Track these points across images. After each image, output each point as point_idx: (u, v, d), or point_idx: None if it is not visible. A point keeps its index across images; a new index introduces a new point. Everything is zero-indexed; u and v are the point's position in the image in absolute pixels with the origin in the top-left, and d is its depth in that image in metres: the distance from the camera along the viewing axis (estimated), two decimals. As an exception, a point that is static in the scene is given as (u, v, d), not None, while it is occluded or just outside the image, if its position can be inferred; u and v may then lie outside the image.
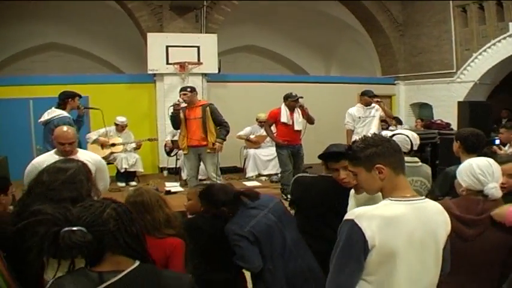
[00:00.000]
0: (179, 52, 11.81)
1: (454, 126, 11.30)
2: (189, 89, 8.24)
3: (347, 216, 2.38)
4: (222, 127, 8.22)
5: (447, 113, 12.55)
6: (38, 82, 11.69)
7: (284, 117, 8.99)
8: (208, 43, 12.19)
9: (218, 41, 12.38)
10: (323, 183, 3.77)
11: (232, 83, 13.08)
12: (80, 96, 7.62)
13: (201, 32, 12.35)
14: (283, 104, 9.10)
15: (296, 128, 9.01)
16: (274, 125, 9.39)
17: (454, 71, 13.01)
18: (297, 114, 9.04)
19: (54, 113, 7.10)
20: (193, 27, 12.31)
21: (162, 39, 11.88)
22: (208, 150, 8.16)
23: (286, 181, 8.94)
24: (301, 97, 8.99)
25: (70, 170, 3.07)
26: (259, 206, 3.65)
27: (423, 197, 2.60)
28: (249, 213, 3.57)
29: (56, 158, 4.43)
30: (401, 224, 2.32)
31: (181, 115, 8.23)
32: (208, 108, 8.19)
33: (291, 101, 8.96)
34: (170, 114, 8.32)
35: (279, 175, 10.39)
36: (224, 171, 11.53)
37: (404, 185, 2.49)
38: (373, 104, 9.44)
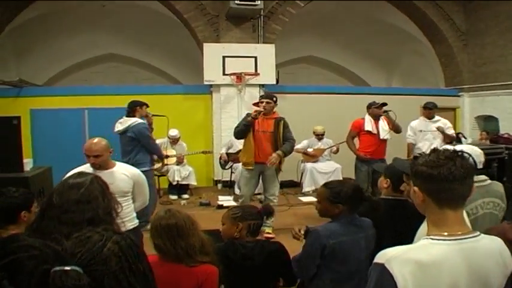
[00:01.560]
0: (236, 63, 11.46)
1: (523, 140, 10.46)
2: (274, 98, 7.33)
3: (377, 259, 1.92)
4: (288, 142, 7.30)
5: (515, 127, 11.74)
6: (93, 92, 11.65)
7: (368, 125, 8.29)
8: (266, 53, 11.81)
9: (276, 52, 12.01)
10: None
11: (290, 95, 12.44)
12: (147, 105, 7.84)
13: (258, 42, 11.97)
14: (366, 114, 8.45)
15: (382, 136, 8.22)
16: (357, 137, 8.65)
17: (522, 81, 12.10)
18: (382, 123, 8.31)
19: (128, 121, 7.44)
20: (250, 37, 11.94)
21: (218, 50, 11.57)
22: (275, 168, 7.27)
23: None
24: (385, 104, 8.29)
25: (82, 187, 2.65)
26: (360, 227, 3.38)
27: (477, 232, 1.98)
28: (347, 229, 3.31)
29: (91, 169, 4.24)
30: (442, 272, 1.83)
31: None
32: (282, 122, 7.30)
33: (374, 108, 8.28)
34: (245, 122, 7.08)
35: None
36: (280, 185, 11.14)
37: (452, 219, 1.95)
38: (437, 117, 8.84)
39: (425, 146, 8.51)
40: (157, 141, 9.90)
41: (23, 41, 13.21)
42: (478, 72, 13.79)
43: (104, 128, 11.21)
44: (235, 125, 7.49)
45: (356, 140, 8.70)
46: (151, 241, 3.03)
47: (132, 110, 7.57)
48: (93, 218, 2.46)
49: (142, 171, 7.15)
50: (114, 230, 1.75)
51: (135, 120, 7.40)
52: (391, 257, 1.85)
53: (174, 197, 10.33)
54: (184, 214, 3.09)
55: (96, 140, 4.58)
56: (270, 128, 7.18)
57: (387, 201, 3.58)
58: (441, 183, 1.91)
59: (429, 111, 8.83)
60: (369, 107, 8.36)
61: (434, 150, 2.05)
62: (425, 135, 8.72)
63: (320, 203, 3.46)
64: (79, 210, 2.51)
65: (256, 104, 7.54)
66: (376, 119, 8.31)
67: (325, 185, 3.54)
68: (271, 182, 7.47)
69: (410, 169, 2.10)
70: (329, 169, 10.72)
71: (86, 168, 4.44)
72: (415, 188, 2.00)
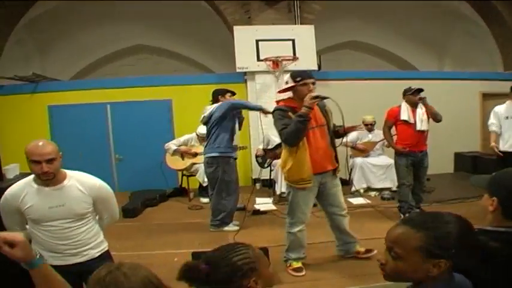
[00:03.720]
0: (271, 47, 10.11)
1: None
2: (313, 79, 5.03)
3: None
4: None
5: None
6: (115, 85, 10.64)
7: (405, 114, 7.12)
8: (305, 35, 10.38)
9: (317, 37, 10.57)
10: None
11: (334, 81, 11.07)
12: (233, 93, 7.30)
13: (295, 24, 10.60)
14: (403, 101, 7.23)
15: (419, 127, 7.01)
16: (394, 126, 7.43)
17: None
18: (420, 112, 7.07)
19: (212, 107, 6.96)
20: (286, 18, 10.58)
21: (250, 33, 10.23)
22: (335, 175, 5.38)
23: (404, 197, 7.21)
24: (421, 89, 6.99)
25: None
26: None
27: None
28: None
29: (35, 187, 3.30)
30: None
31: None
32: (327, 108, 5.35)
33: (409, 95, 7.03)
34: (301, 118, 4.68)
35: (392, 190, 8.75)
36: None
37: None
38: None
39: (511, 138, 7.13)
40: (184, 137, 9.07)
41: (43, 35, 12.41)
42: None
43: (129, 123, 10.34)
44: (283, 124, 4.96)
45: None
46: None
47: (214, 100, 7.10)
48: None
49: (224, 157, 6.75)
50: None
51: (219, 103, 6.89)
52: None
53: (206, 199, 8.84)
54: (142, 276, 1.63)
55: (41, 141, 3.28)
56: (322, 120, 5.15)
57: (497, 235, 2.06)
58: None
59: None
60: (404, 93, 7.15)
61: None
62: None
63: (399, 259, 1.79)
64: None
65: (285, 90, 5.09)
66: (413, 107, 7.13)
67: (409, 222, 1.86)
68: (337, 191, 5.38)
69: None
70: (382, 164, 9.34)
71: (28, 184, 3.35)
72: None
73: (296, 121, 4.67)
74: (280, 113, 4.86)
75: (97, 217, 3.69)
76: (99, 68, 14.05)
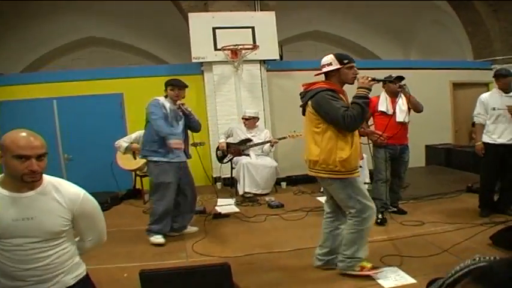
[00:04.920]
0: (229, 35, 9.33)
1: None
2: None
3: None
4: None
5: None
6: (63, 79, 9.69)
7: (383, 105, 6.51)
8: (265, 23, 9.68)
9: (278, 28, 9.90)
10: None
11: (297, 72, 10.30)
12: (178, 86, 6.04)
13: (254, 10, 9.89)
14: (382, 91, 6.61)
15: (399, 119, 6.41)
16: (372, 118, 6.76)
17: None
18: (401, 102, 6.47)
19: None
20: (245, 4, 9.90)
21: (207, 21, 9.47)
22: None
23: (378, 194, 6.45)
24: (402, 77, 6.22)
25: None
26: None
27: None
28: None
29: (6, 194, 2.55)
30: None
31: None
32: None
33: (389, 83, 6.29)
34: (365, 99, 4.22)
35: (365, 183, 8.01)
36: (293, 181, 9.79)
37: None
38: None
39: (498, 130, 6.31)
40: (136, 134, 8.27)
41: None
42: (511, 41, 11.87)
43: (77, 120, 9.47)
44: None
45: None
46: None
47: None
48: None
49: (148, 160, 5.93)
50: None
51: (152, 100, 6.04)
52: None
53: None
54: None
55: (26, 131, 2.64)
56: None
57: None
58: None
59: (504, 79, 6.31)
60: (384, 82, 6.24)
61: None
62: (498, 115, 6.32)
63: None
64: None
65: (326, 73, 4.40)
66: (393, 96, 6.52)
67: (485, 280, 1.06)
68: None
69: None
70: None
71: None
72: None
73: (362, 102, 4.18)
74: (332, 94, 4.24)
75: (77, 238, 2.98)
76: (50, 62, 13.17)
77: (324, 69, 4.36)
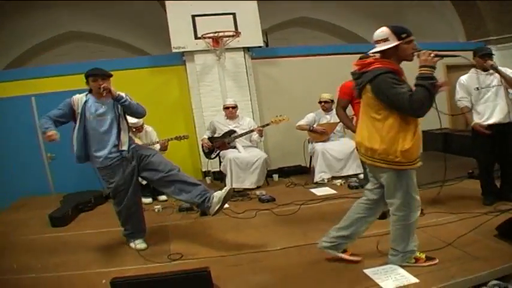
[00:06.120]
0: (210, 23, 8.89)
1: None
2: None
3: None
4: None
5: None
6: (39, 75, 9.26)
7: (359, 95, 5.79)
8: (247, 9, 9.26)
9: (262, 16, 9.50)
10: None
11: (283, 59, 10.11)
12: (100, 75, 5.30)
13: (236, -4, 9.52)
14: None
15: None
16: (350, 104, 6.16)
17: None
18: None
19: None
20: (225, -11, 9.47)
21: (185, 8, 9.06)
22: None
23: None
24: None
25: None
26: None
27: None
28: None
29: None
30: None
31: None
32: None
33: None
34: (432, 81, 3.63)
35: (360, 177, 7.57)
36: (285, 173, 9.28)
37: None
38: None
39: (487, 110, 5.89)
40: None
41: None
42: (505, 20, 11.51)
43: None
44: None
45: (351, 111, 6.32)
46: None
47: None
48: None
49: None
50: None
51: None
52: None
53: (148, 200, 7.68)
54: None
55: None
56: None
57: None
58: None
59: (485, 59, 5.85)
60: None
61: None
62: (485, 94, 5.92)
63: None
64: None
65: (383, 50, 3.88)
66: None
67: None
68: None
69: None
70: (345, 150, 8.21)
71: None
72: None
73: (429, 84, 3.60)
74: (394, 76, 3.73)
75: None
76: (33, 59, 12.67)
77: (380, 47, 3.81)
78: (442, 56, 3.79)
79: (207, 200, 5.02)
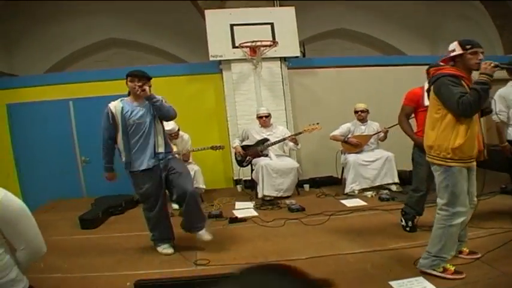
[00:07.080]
0: (248, 32, 8.91)
1: None
2: (482, 49, 4.25)
3: None
4: None
5: None
6: (78, 80, 9.38)
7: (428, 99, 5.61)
8: (285, 18, 9.23)
9: (300, 27, 9.43)
10: None
11: (320, 69, 10.00)
12: (137, 77, 5.22)
13: (273, 6, 9.49)
14: (426, 82, 5.81)
15: None
16: (413, 114, 5.88)
17: None
18: None
19: None
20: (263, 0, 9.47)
21: (224, 17, 9.09)
22: None
23: (413, 204, 5.61)
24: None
25: None
26: None
27: None
28: None
29: None
30: None
31: None
32: None
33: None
34: (484, 86, 3.82)
35: (392, 190, 7.57)
36: (317, 183, 9.10)
37: None
38: None
39: None
40: None
41: (9, 30, 11.28)
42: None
43: (94, 121, 9.07)
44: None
45: (413, 121, 5.96)
46: None
47: None
48: None
49: None
50: None
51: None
52: None
53: (176, 206, 7.51)
54: None
55: None
56: None
57: None
58: None
59: None
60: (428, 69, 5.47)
61: None
62: None
63: None
64: None
65: (450, 59, 4.14)
66: None
67: None
68: (474, 177, 4.45)
69: None
70: (378, 160, 8.01)
71: None
72: None
73: (480, 88, 3.85)
74: (453, 80, 4.02)
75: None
76: (72, 64, 12.85)
77: (449, 55, 4.14)
78: (502, 68, 4.04)
79: (195, 231, 5.30)
